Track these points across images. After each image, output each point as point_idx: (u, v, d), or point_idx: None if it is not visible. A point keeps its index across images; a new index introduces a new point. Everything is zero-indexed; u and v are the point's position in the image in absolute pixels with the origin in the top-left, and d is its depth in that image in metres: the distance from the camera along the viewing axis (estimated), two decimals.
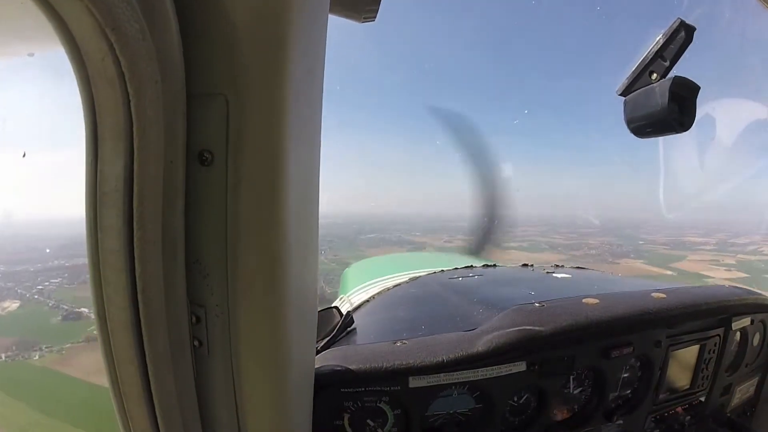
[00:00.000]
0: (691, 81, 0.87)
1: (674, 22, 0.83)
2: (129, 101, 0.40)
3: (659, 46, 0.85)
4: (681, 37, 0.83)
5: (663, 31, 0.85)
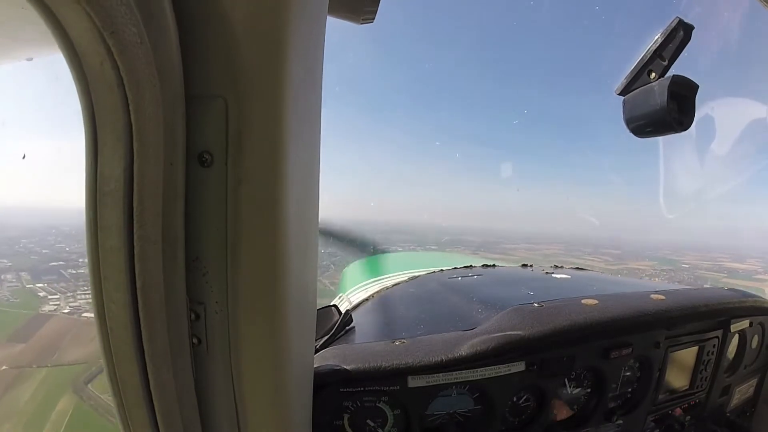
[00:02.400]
0: (690, 80, 0.86)
1: (672, 21, 0.83)
2: (128, 105, 0.41)
3: (658, 45, 0.85)
4: (679, 36, 0.83)
5: (661, 30, 0.85)
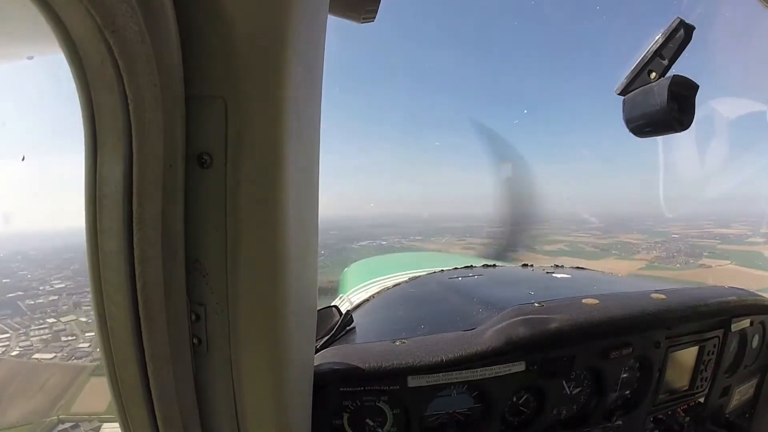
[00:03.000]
0: (690, 80, 0.86)
1: (673, 21, 0.83)
2: (128, 104, 0.41)
3: (658, 45, 0.85)
4: (680, 36, 0.83)
5: (662, 30, 0.85)
